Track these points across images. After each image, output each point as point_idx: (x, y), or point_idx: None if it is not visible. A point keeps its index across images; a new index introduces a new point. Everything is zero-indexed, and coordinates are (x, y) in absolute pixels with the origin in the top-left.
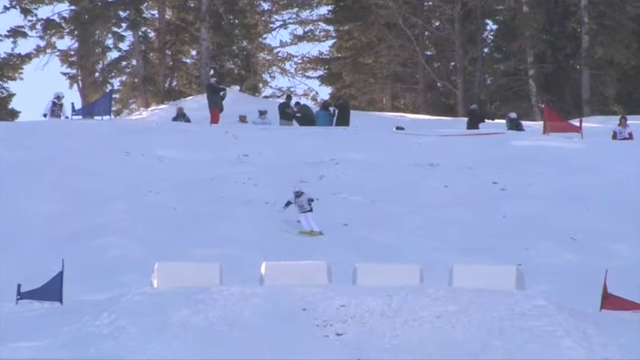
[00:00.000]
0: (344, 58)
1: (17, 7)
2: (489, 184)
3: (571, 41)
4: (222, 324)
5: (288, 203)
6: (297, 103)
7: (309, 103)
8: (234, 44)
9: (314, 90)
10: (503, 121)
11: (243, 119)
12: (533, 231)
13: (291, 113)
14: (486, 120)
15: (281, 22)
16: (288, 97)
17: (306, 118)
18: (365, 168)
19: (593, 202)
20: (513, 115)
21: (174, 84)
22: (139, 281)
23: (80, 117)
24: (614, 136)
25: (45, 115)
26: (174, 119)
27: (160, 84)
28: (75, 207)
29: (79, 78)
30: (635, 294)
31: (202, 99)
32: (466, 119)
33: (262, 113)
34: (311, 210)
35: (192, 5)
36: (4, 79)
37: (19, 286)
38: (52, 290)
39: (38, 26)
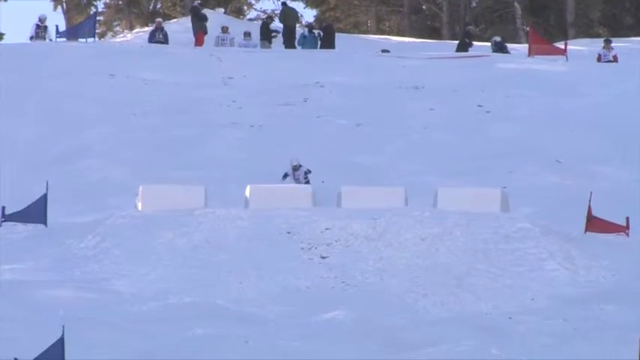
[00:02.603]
0: None
1: None
2: (474, 106)
3: None
4: (207, 247)
5: (285, 175)
6: (284, 4)
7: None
8: None
9: (299, 12)
10: (488, 44)
11: (225, 30)
12: (517, 154)
13: (273, 34)
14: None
15: None
16: (269, 18)
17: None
18: (350, 91)
19: (577, 125)
20: (498, 38)
21: (158, 6)
22: (123, 204)
23: (64, 39)
24: (599, 59)
25: (31, 38)
26: (153, 32)
27: (144, 6)
28: (59, 130)
29: (64, 0)
30: (619, 216)
31: (186, 22)
32: (455, 42)
33: (247, 35)
34: (308, 183)
35: None
36: None
37: (3, 208)
38: (36, 213)
39: None
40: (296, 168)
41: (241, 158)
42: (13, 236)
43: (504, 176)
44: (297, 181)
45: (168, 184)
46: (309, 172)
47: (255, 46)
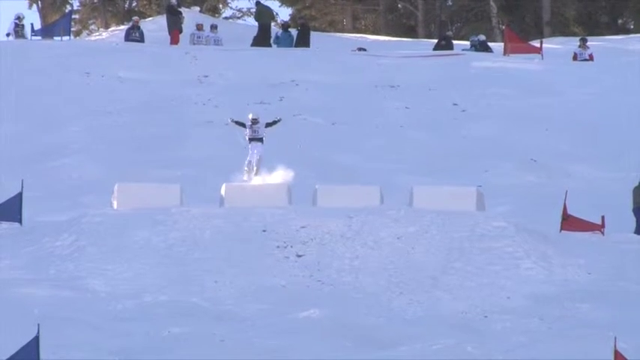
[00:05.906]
0: None
1: None
2: (450, 105)
3: None
4: (183, 245)
5: (240, 123)
6: (258, 3)
7: None
8: None
9: (274, 11)
10: (467, 42)
11: (200, 28)
12: (493, 152)
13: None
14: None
15: None
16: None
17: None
18: (325, 89)
19: (553, 124)
20: (482, 37)
21: (133, 4)
22: (98, 202)
23: (39, 37)
24: (575, 58)
25: (8, 35)
26: (129, 30)
27: (119, 5)
28: (34, 128)
29: None
30: (594, 215)
31: (162, 20)
32: (432, 41)
33: (213, 27)
34: (261, 140)
35: None
36: None
37: None
38: (11, 211)
39: None
40: (255, 122)
41: (217, 156)
42: None
43: (480, 175)
44: (255, 133)
45: (143, 183)
46: (276, 121)
47: (220, 39)
